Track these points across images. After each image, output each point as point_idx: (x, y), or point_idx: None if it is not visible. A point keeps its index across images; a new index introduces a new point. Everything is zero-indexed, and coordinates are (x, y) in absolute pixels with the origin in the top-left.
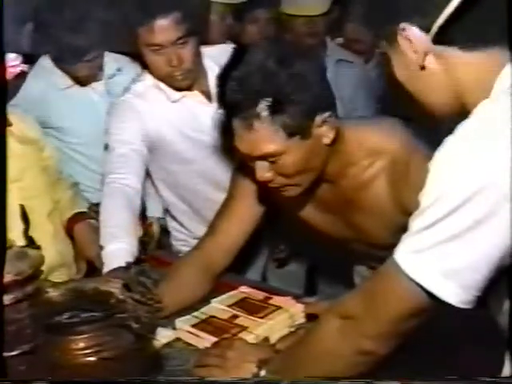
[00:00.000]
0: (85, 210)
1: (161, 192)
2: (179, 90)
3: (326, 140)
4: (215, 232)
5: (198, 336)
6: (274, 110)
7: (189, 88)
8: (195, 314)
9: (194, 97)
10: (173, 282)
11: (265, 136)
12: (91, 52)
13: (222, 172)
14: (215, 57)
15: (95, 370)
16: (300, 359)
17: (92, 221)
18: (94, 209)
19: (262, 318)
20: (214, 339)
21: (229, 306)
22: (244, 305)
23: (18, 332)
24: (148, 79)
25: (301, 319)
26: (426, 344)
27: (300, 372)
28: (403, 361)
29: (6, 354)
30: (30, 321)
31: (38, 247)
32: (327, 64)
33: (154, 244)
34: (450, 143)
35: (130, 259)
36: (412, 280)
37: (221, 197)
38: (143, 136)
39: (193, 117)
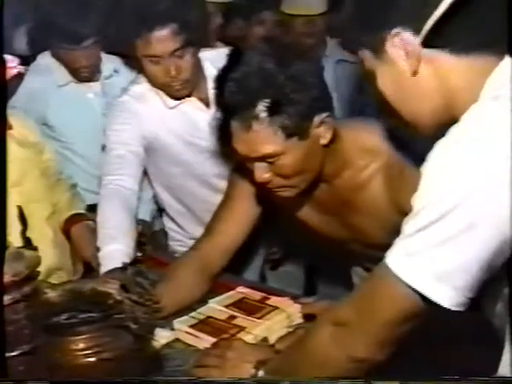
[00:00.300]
0: (82, 211)
1: (158, 193)
2: (177, 98)
3: (324, 140)
4: (212, 233)
5: (196, 336)
6: (273, 110)
7: (187, 95)
8: (193, 314)
9: (192, 103)
10: (170, 283)
11: (263, 137)
12: (89, 38)
13: (218, 176)
14: (214, 60)
15: (95, 370)
16: (295, 365)
17: (89, 222)
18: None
19: (259, 318)
20: (213, 340)
21: (226, 307)
22: (241, 305)
23: (16, 333)
24: (145, 82)
25: (298, 319)
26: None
27: (296, 375)
28: (402, 361)
29: (5, 355)
30: (28, 321)
31: (35, 248)
32: (327, 64)
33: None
34: (441, 147)
35: (127, 260)
36: (404, 283)
37: (217, 199)
38: (141, 137)
39: (190, 121)
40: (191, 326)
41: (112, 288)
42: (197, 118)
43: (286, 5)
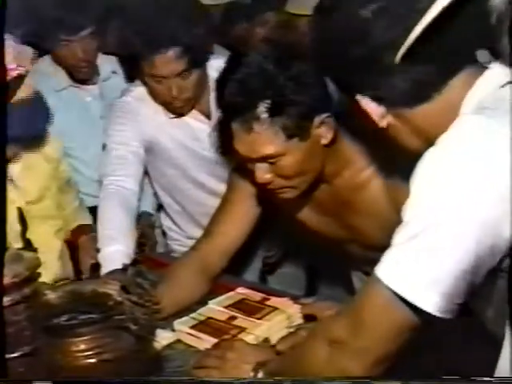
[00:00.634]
0: (89, 222)
1: (156, 191)
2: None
3: (325, 141)
4: (212, 234)
5: (197, 337)
6: (274, 111)
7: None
8: (193, 315)
9: (193, 115)
10: (170, 284)
11: (264, 138)
12: (87, 28)
13: (215, 181)
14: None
15: (95, 371)
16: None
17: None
18: None
19: (259, 319)
20: (214, 340)
21: (226, 308)
22: (241, 306)
23: (16, 334)
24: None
25: (298, 320)
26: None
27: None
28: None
29: (5, 356)
30: (28, 323)
31: (35, 249)
32: None
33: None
34: (430, 158)
35: (127, 261)
36: (393, 293)
37: (214, 202)
38: (141, 138)
39: (189, 131)
40: (192, 327)
41: (112, 289)
42: (197, 128)
43: (290, 5)
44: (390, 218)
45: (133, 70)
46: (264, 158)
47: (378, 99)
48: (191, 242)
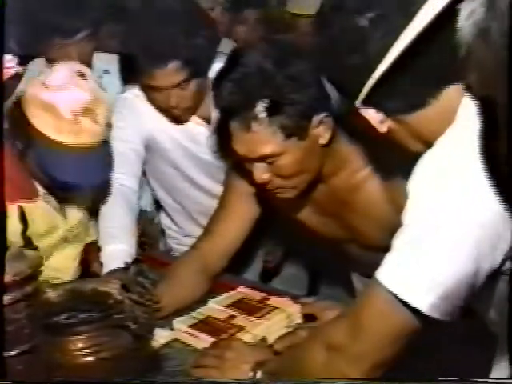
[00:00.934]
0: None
1: (154, 188)
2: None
3: (323, 140)
4: (212, 233)
5: (196, 336)
6: (272, 111)
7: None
8: (193, 314)
9: (193, 120)
10: (171, 283)
11: (263, 137)
12: (83, 31)
13: (213, 182)
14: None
15: (93, 370)
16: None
17: None
18: None
19: (259, 318)
20: (212, 339)
21: (226, 307)
22: (241, 305)
23: (16, 332)
24: None
25: (298, 319)
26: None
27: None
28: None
29: (4, 354)
30: (28, 321)
31: (36, 248)
32: None
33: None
34: (428, 159)
35: (129, 260)
36: (394, 296)
37: (211, 202)
38: (141, 135)
39: (188, 131)
40: (191, 326)
41: (113, 288)
42: (196, 132)
43: (291, 4)
44: (387, 218)
45: (130, 77)
46: (262, 158)
47: (376, 105)
48: (189, 241)
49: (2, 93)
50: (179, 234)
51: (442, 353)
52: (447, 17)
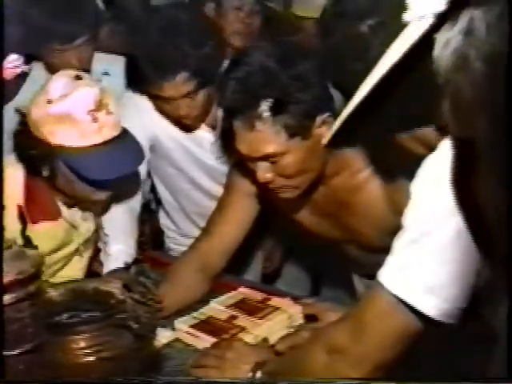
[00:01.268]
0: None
1: (156, 185)
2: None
3: (325, 141)
4: (212, 233)
5: (196, 336)
6: (276, 110)
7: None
8: (194, 314)
9: (202, 128)
10: (172, 283)
11: (266, 136)
12: (82, 36)
13: (213, 184)
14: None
15: (95, 369)
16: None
17: None
18: None
19: (260, 318)
20: (213, 340)
21: (228, 307)
22: (243, 305)
23: (18, 331)
24: None
25: (299, 320)
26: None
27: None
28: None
29: (6, 353)
30: (31, 320)
31: (36, 247)
32: None
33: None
34: (430, 164)
35: (129, 260)
36: (395, 297)
37: (210, 204)
38: (145, 135)
39: (193, 136)
40: (192, 326)
41: (114, 287)
42: (201, 137)
43: (297, 7)
44: (387, 220)
45: (137, 86)
46: (265, 157)
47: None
48: (187, 240)
49: (2, 93)
50: (177, 234)
51: (442, 353)
52: (423, 47)
